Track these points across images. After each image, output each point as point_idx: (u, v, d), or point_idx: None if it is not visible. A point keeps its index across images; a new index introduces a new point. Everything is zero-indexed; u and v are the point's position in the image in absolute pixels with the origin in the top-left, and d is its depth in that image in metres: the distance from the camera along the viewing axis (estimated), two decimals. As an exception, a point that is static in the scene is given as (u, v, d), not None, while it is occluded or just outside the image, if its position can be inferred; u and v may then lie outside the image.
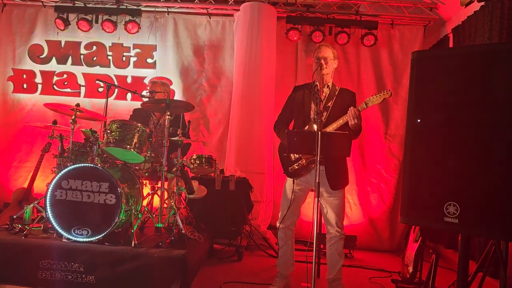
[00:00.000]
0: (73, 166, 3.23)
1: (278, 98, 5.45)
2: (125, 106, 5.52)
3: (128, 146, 3.42)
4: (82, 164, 3.25)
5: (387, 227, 5.37)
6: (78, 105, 3.60)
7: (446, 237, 4.66)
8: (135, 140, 3.45)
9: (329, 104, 3.30)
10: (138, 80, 5.57)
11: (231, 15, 5.50)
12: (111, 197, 3.20)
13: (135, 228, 3.30)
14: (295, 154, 3.30)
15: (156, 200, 4.13)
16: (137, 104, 5.35)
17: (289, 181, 3.33)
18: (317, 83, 3.34)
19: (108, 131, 3.43)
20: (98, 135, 3.41)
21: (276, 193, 5.42)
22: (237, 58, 5.29)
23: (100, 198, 3.20)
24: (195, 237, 3.59)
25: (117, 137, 3.41)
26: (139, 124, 3.51)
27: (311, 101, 3.32)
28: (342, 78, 5.36)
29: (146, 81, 5.55)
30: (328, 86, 3.34)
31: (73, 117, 3.60)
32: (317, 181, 2.69)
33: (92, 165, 3.24)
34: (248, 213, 4.50)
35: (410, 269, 3.68)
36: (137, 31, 5.46)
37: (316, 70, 3.28)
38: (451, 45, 5.13)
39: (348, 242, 4.80)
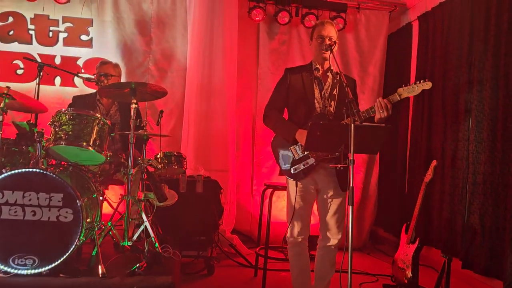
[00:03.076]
0: (9, 173, 2.37)
1: (238, 85, 4.85)
2: (54, 93, 4.51)
3: (85, 144, 2.62)
4: (24, 170, 2.39)
5: (354, 224, 5.06)
6: (8, 88, 2.69)
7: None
8: (94, 136, 2.66)
9: (334, 92, 2.82)
10: (69, 60, 4.57)
11: (184, -13, 4.76)
12: (66, 212, 2.42)
13: (96, 249, 2.54)
14: (298, 152, 2.76)
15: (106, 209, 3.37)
16: (70, 91, 4.47)
17: (292, 184, 2.78)
18: (318, 66, 2.83)
19: (57, 124, 2.59)
20: (43, 130, 2.55)
21: (239, 193, 4.85)
22: (193, 38, 4.58)
23: (51, 214, 2.40)
24: (170, 254, 2.91)
25: (70, 132, 2.59)
26: (98, 115, 2.72)
27: (313, 87, 2.81)
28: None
29: (81, 62, 4.59)
30: (331, 70, 2.86)
31: (1, 105, 2.69)
32: (351, 185, 2.19)
33: (38, 170, 2.39)
34: (219, 218, 3.88)
35: (409, 274, 3.37)
36: (68, 1, 4.47)
37: (319, 51, 2.80)
38: (415, 33, 4.96)
39: (314, 243, 4.43)
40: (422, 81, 2.57)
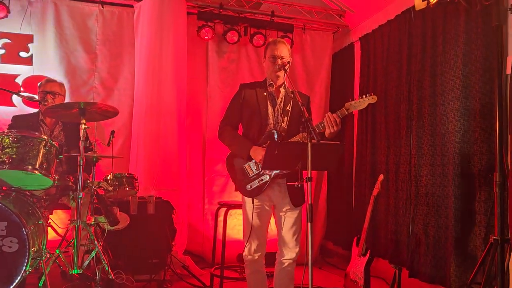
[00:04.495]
0: None
1: (188, 103, 4.82)
2: (-15, 112, 4.24)
3: (31, 167, 2.47)
4: (-38, 197, 2.21)
5: (305, 238, 5.14)
6: None
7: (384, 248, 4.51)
8: (40, 159, 2.51)
9: (288, 108, 2.90)
10: (7, 78, 4.30)
11: (130, 5, 4.66)
12: (10, 242, 2.27)
13: (44, 279, 2.39)
14: (253, 169, 2.79)
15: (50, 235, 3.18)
16: (8, 110, 4.23)
17: (248, 201, 2.80)
18: (272, 82, 2.90)
19: (-2, 147, 2.43)
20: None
21: (190, 212, 4.76)
22: (141, 56, 4.49)
23: (-7, 244, 2.22)
24: (122, 280, 2.80)
25: (14, 156, 2.44)
26: (44, 137, 2.59)
27: (267, 103, 2.87)
28: (256, 83, 5.00)
29: (20, 80, 4.34)
30: (284, 86, 2.94)
31: None
32: (310, 202, 2.24)
33: (-21, 197, 2.23)
34: (172, 240, 3.78)
35: (361, 286, 3.48)
36: (5, 16, 4.22)
37: (272, 70, 2.87)
38: (357, 53, 5.20)
39: (270, 259, 4.45)
40: (368, 95, 2.70)
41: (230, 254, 4.22)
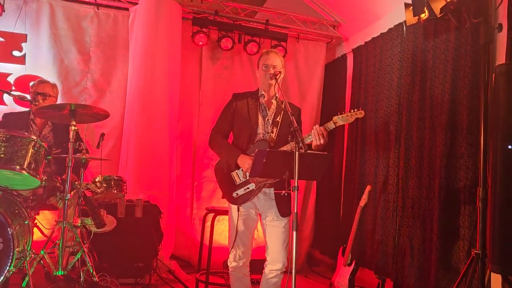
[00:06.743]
0: None
1: (180, 108, 4.83)
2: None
3: (19, 167, 2.47)
4: None
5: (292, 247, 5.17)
6: None
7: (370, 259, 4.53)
8: (29, 159, 2.51)
9: (278, 119, 2.92)
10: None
11: (126, 8, 4.69)
12: (-5, 241, 2.24)
13: (27, 280, 2.38)
14: (240, 177, 2.81)
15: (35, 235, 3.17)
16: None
17: (234, 208, 2.82)
18: (264, 93, 2.94)
19: (-13, 146, 2.43)
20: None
21: (178, 216, 4.76)
22: (135, 59, 4.51)
23: (-23, 243, 2.21)
24: (107, 283, 2.79)
25: (2, 155, 2.44)
26: (33, 137, 2.58)
27: (257, 113, 2.90)
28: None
29: (11, 79, 4.33)
30: (276, 97, 2.97)
31: None
32: (295, 210, 2.27)
33: (-35, 195, 2.22)
34: (158, 244, 3.77)
35: (346, 295, 3.50)
36: (0, 15, 4.23)
37: (265, 79, 2.90)
38: (350, 64, 5.26)
39: (256, 267, 4.46)
40: (356, 109, 2.73)
41: (216, 260, 4.22)
